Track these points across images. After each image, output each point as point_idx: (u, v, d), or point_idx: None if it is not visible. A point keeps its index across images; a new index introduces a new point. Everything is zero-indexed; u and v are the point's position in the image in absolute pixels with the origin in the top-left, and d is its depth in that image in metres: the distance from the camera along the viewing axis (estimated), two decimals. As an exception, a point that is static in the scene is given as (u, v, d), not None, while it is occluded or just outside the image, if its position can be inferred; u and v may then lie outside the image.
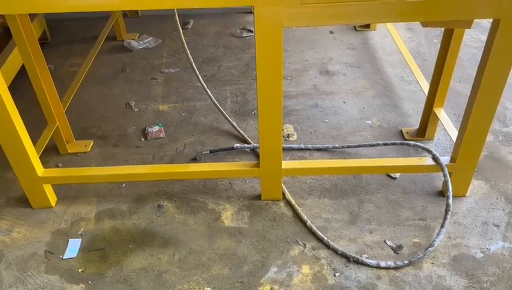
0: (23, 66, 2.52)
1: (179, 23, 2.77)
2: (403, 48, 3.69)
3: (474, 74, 2.04)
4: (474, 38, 4.01)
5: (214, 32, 4.36)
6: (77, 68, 3.40)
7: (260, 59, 1.85)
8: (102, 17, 3.94)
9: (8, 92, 2.08)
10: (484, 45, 1.90)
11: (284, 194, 2.47)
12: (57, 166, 2.77)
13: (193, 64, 2.96)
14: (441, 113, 2.68)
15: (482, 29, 4.06)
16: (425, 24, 1.94)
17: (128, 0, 1.66)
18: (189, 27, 4.44)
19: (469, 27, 1.90)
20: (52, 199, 2.48)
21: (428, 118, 2.75)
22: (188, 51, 2.88)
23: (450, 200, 2.22)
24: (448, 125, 2.63)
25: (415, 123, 2.99)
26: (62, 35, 4.31)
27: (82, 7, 1.66)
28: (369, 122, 3.09)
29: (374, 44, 4.05)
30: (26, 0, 1.62)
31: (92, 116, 3.24)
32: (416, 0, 1.67)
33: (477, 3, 1.69)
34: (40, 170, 2.34)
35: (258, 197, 2.50)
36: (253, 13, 1.74)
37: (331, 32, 4.26)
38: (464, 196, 2.44)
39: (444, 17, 1.76)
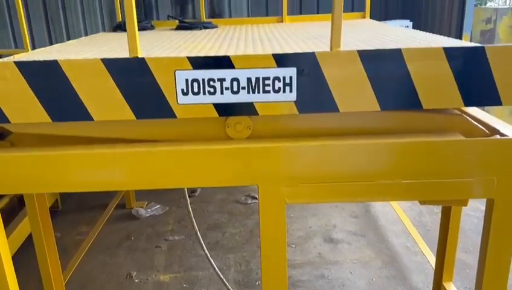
0: (29, 235, 2.56)
1: (186, 192, 2.90)
2: (404, 217, 3.76)
3: (479, 243, 2.03)
4: (473, 208, 4.10)
5: (219, 199, 4.51)
6: (84, 237, 3.44)
7: (264, 236, 1.88)
8: (114, 186, 4.13)
9: (11, 263, 2.07)
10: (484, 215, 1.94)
11: None
12: None
13: (198, 232, 2.99)
14: (451, 288, 2.59)
15: (480, 199, 4.17)
16: (422, 202, 2.02)
17: (137, 181, 1.77)
18: (197, 194, 4.61)
19: (465, 205, 1.97)
20: None
21: (439, 292, 2.65)
22: (193, 219, 2.94)
23: None
24: (461, 301, 2.52)
25: (426, 297, 2.86)
26: (73, 202, 4.47)
27: (93, 187, 1.76)
28: (378, 295, 2.96)
29: (376, 212, 4.14)
30: (42, 181, 1.73)
31: (91, 288, 3.15)
32: (412, 182, 1.77)
33: (471, 184, 1.79)
34: None
35: None
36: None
37: (333, 201, 4.39)
38: None
39: (440, 197, 1.84)
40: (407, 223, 3.65)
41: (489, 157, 1.73)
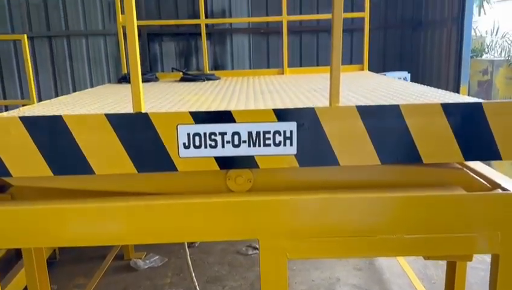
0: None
1: (186, 243, 2.86)
2: (408, 270, 3.67)
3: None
4: (479, 260, 4.01)
5: (219, 249, 4.43)
6: (81, 289, 3.34)
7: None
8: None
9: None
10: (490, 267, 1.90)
11: None
12: None
13: (197, 287, 2.92)
14: None
15: (486, 250, 4.09)
16: (426, 257, 1.99)
17: (136, 235, 1.75)
18: (196, 245, 4.53)
19: (470, 260, 1.93)
20: None
21: None
22: (192, 273, 2.89)
23: None
24: None
25: None
26: (71, 253, 4.39)
27: (92, 241, 1.74)
28: None
29: (380, 264, 4.04)
30: (41, 236, 1.71)
31: None
32: (414, 237, 1.75)
33: (475, 239, 1.76)
34: None
35: None
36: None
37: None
38: None
39: (443, 252, 1.81)
40: (412, 276, 3.56)
41: (492, 212, 1.71)
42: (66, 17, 6.44)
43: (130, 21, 1.54)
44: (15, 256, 3.36)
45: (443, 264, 3.94)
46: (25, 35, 3.22)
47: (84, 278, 3.84)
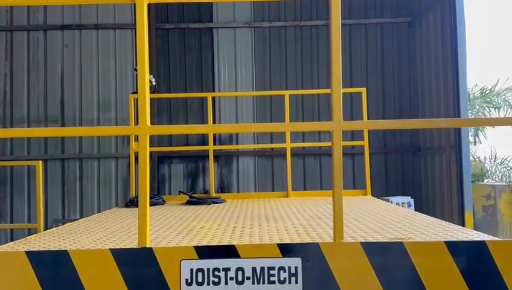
0: None
1: None
2: None
3: None
4: None
5: None
6: None
7: None
8: None
9: None
10: None
11: None
12: None
13: None
14: None
15: None
16: None
17: None
18: None
19: None
20: None
21: None
22: None
23: None
24: None
25: None
26: None
27: None
28: None
29: None
30: None
31: None
32: None
33: None
34: None
35: None
36: None
37: None
38: None
39: None
40: None
41: None
42: (80, 141, 6.73)
43: (142, 162, 1.63)
44: None
45: None
46: (40, 162, 3.36)
47: None
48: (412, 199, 5.62)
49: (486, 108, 8.69)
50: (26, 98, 6.75)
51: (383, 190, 6.47)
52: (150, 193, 1.76)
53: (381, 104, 6.93)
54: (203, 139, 6.72)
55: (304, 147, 6.80)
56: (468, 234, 1.96)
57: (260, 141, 6.84)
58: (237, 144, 6.87)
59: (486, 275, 1.65)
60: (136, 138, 1.70)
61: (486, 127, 8.14)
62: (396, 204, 4.45)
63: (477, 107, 8.60)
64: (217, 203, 3.75)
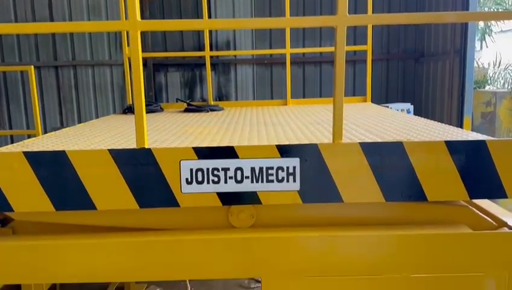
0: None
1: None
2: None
3: None
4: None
5: (222, 282, 4.34)
6: (78, 323, 3.26)
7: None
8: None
9: None
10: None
11: None
12: None
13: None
14: None
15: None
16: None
17: (137, 272, 1.72)
18: (198, 277, 4.46)
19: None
20: None
21: None
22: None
23: None
24: None
25: None
26: (72, 285, 4.31)
27: (91, 278, 1.71)
28: None
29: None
30: (41, 272, 1.69)
31: None
32: (422, 276, 1.71)
33: (481, 279, 1.71)
34: None
35: None
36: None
37: None
38: None
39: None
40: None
41: (499, 251, 1.68)
42: (73, 47, 6.57)
43: (135, 60, 1.56)
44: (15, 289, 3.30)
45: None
46: (32, 67, 3.27)
47: (82, 311, 3.76)
48: (412, 106, 5.61)
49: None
50: (11, 1, 6.43)
51: (383, 97, 6.45)
52: (147, 100, 1.72)
53: (387, 5, 6.61)
54: (199, 46, 6.51)
55: (303, 54, 6.63)
56: (468, 135, 1.95)
57: (259, 48, 6.63)
58: (235, 48, 6.66)
59: (483, 174, 1.67)
60: (129, 43, 1.61)
61: (494, 31, 7.86)
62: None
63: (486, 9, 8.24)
64: (215, 110, 3.71)
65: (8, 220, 1.87)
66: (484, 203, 1.98)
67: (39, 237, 1.72)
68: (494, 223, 1.80)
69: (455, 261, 1.69)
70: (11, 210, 1.65)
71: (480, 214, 1.82)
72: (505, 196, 1.67)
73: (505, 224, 1.78)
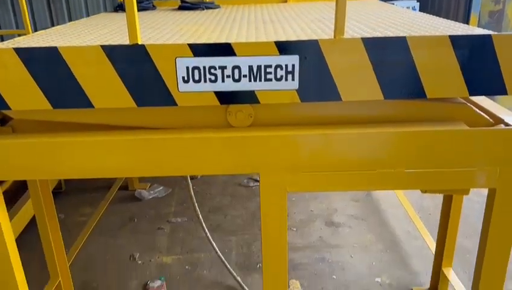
0: (33, 217, 2.58)
1: (188, 176, 2.91)
2: (405, 201, 3.76)
3: (479, 228, 2.03)
4: (475, 192, 4.10)
5: (221, 181, 4.53)
6: (87, 218, 3.47)
7: (265, 223, 1.89)
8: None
9: (15, 246, 2.09)
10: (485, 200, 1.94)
11: None
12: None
13: (200, 215, 3.01)
14: (450, 274, 2.61)
15: (483, 183, 4.17)
16: (423, 190, 2.02)
17: (137, 168, 1.76)
18: (199, 177, 4.63)
19: (466, 194, 1.97)
20: None
21: (438, 278, 2.68)
22: (195, 203, 2.96)
23: None
24: (458, 286, 2.54)
25: (425, 282, 2.89)
26: (76, 183, 4.50)
27: (93, 173, 1.75)
28: (379, 279, 2.99)
29: (377, 196, 4.15)
30: (42, 168, 1.73)
31: (94, 269, 3.19)
32: (414, 171, 1.77)
33: (473, 173, 1.78)
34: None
35: None
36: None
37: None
38: None
39: (442, 187, 1.84)
40: (409, 207, 3.67)
41: (493, 147, 1.71)
42: None
43: None
44: (21, 186, 3.44)
45: (440, 196, 4.04)
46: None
47: (90, 207, 3.97)
48: (418, 3, 5.36)
49: None
50: None
51: (387, -5, 6.13)
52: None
53: None
54: None
55: None
56: (473, 30, 1.88)
57: None
58: None
59: (485, 70, 1.64)
60: None
61: None
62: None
63: None
64: (211, 8, 3.54)
65: (7, 120, 1.87)
66: (485, 102, 1.97)
67: (39, 134, 1.74)
68: (490, 120, 1.81)
69: (449, 157, 1.73)
70: (8, 108, 1.64)
71: (478, 111, 1.82)
72: (504, 92, 1.65)
73: (502, 121, 1.79)
